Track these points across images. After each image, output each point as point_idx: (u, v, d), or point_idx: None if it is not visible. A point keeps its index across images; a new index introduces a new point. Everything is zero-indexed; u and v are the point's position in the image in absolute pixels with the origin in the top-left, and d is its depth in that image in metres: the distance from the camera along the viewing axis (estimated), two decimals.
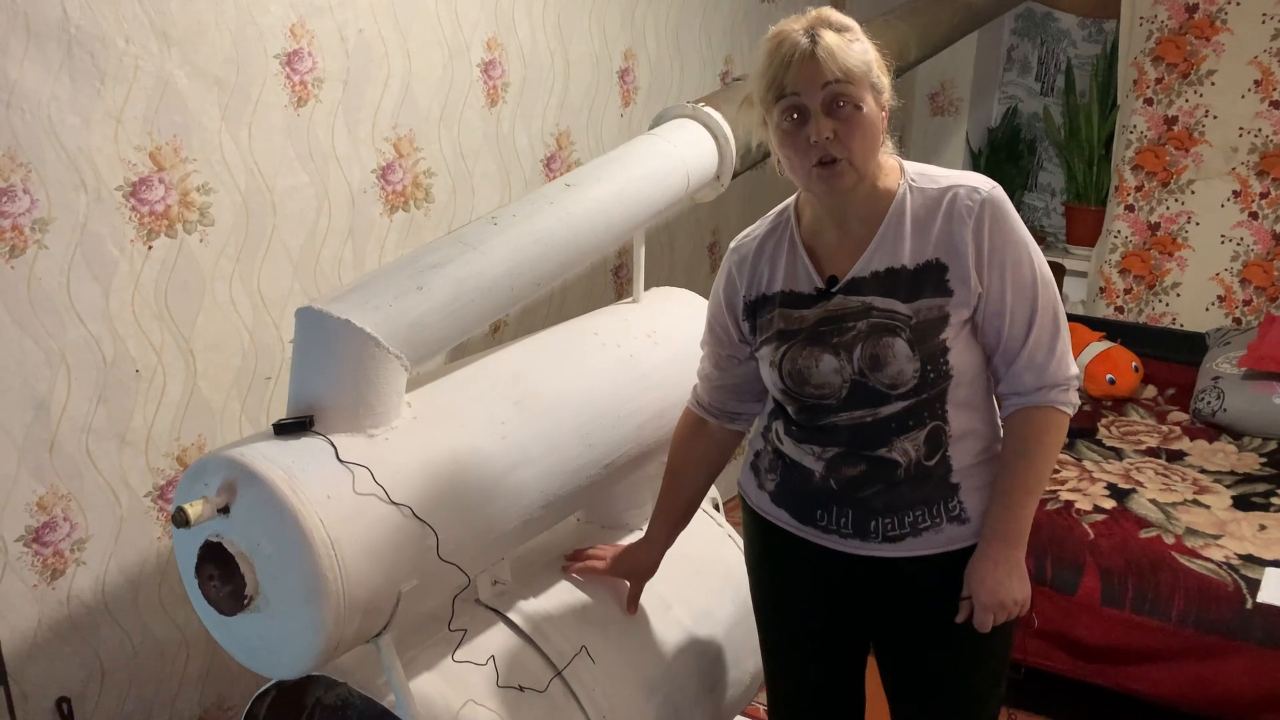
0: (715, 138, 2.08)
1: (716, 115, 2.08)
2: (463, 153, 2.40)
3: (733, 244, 1.62)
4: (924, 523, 1.50)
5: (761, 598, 1.76)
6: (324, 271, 2.17)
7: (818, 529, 1.57)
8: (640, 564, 1.84)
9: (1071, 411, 1.49)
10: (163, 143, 1.85)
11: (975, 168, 4.41)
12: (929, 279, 1.43)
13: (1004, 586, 1.47)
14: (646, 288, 2.18)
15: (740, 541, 2.15)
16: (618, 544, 1.92)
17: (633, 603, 1.85)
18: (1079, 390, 1.52)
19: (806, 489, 1.56)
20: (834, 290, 1.48)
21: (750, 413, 1.70)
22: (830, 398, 1.48)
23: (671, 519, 1.81)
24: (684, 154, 2.00)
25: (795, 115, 1.39)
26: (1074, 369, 1.49)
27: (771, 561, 1.70)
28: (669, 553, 2.04)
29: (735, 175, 2.14)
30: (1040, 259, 1.46)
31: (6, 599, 1.78)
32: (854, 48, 1.39)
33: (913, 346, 1.42)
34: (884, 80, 1.43)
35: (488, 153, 2.47)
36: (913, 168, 1.50)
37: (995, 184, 1.45)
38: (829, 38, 1.37)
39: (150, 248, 1.87)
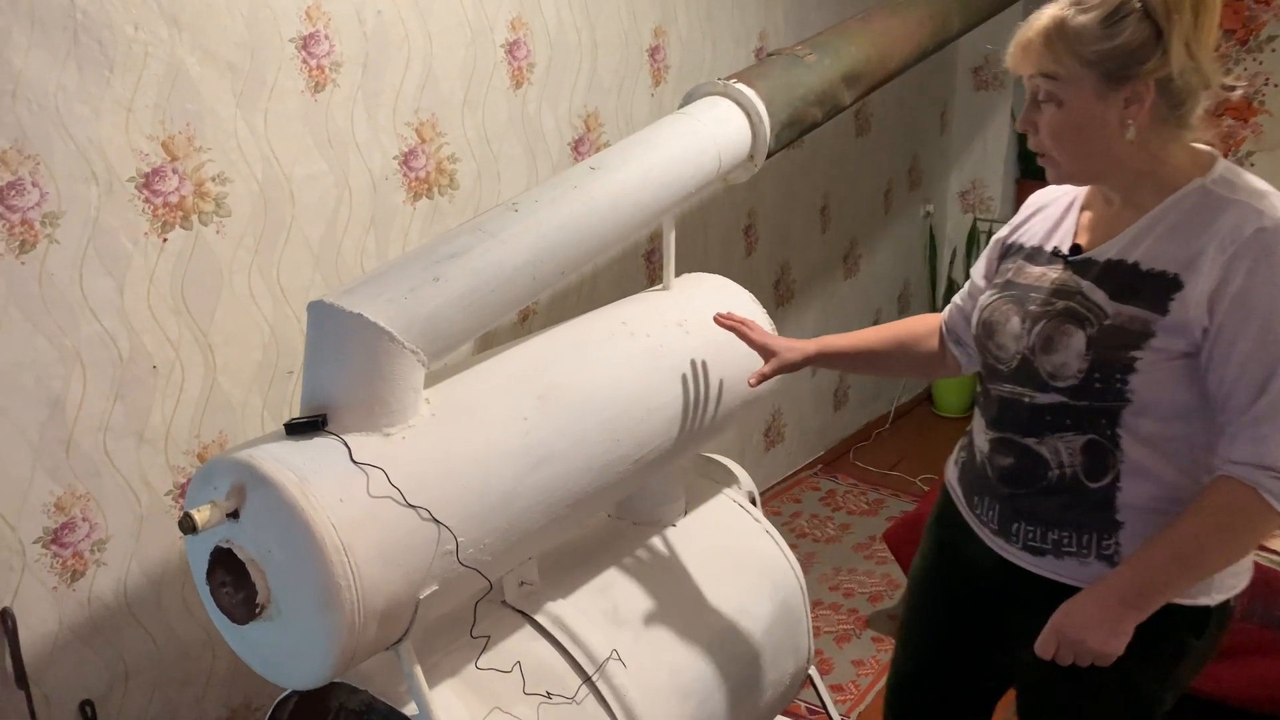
0: (748, 115, 1.98)
1: (749, 92, 1.98)
2: (487, 137, 2.33)
3: (1043, 189, 1.52)
4: (1069, 546, 1.37)
5: (920, 560, 1.68)
6: (346, 262, 2.11)
7: (975, 517, 1.50)
8: (784, 347, 1.72)
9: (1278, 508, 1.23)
10: (175, 132, 1.79)
11: (1019, 145, 4.26)
12: (1152, 288, 1.27)
13: (1090, 629, 1.29)
14: (678, 273, 2.10)
15: (778, 538, 2.07)
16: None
17: (756, 379, 1.71)
18: None
19: (973, 471, 1.50)
20: (1071, 260, 1.37)
21: (971, 353, 1.61)
22: (1003, 363, 1.41)
23: (845, 343, 1.72)
24: (715, 133, 1.90)
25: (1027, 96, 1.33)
26: None
27: (940, 528, 1.62)
28: (701, 549, 1.97)
29: (770, 154, 2.05)
30: None
31: (26, 601, 1.74)
32: (1081, 33, 1.24)
33: (1090, 345, 1.29)
34: (1150, 65, 1.23)
35: (513, 136, 2.39)
36: (1225, 169, 1.30)
37: None
38: (1049, 22, 1.27)
39: (165, 240, 1.81)
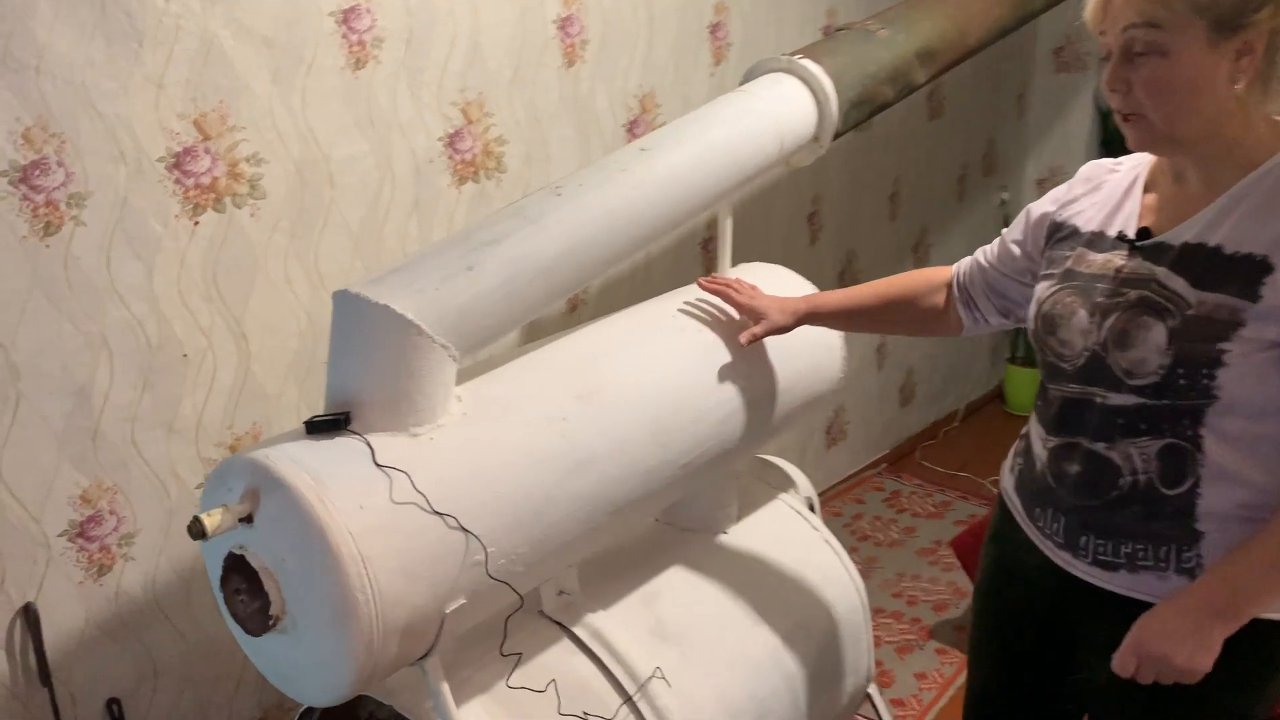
0: (814, 94, 1.84)
1: (816, 68, 1.84)
2: (538, 117, 2.22)
3: (1094, 162, 1.41)
4: (1145, 560, 1.25)
5: (981, 577, 1.57)
6: (388, 247, 2.02)
7: (1037, 529, 1.38)
8: (773, 308, 1.67)
9: None
10: (208, 110, 1.71)
11: (1103, 130, 4.03)
12: (1239, 273, 1.15)
13: (1175, 643, 1.17)
14: (736, 263, 1.97)
15: (837, 548, 1.94)
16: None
17: (747, 339, 1.66)
18: None
19: (1032, 480, 1.39)
20: (1138, 245, 1.25)
21: (981, 318, 1.55)
22: (1068, 360, 1.29)
23: (838, 302, 1.67)
24: (777, 112, 1.77)
25: (1104, 57, 1.21)
26: None
27: (999, 542, 1.51)
28: (755, 559, 1.85)
29: (837, 136, 1.90)
30: None
31: (50, 597, 1.69)
32: None
33: (1172, 339, 1.17)
34: (1264, 14, 1.13)
35: (565, 117, 2.27)
36: None
37: None
38: None
39: (196, 223, 1.74)
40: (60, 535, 1.68)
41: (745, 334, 1.66)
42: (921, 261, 3.72)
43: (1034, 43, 3.99)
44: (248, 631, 1.26)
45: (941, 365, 3.99)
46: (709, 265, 2.74)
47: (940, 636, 2.82)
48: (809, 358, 1.81)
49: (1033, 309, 1.36)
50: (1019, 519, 1.42)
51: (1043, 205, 1.43)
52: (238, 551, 1.24)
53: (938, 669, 2.69)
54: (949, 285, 1.58)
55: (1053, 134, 4.17)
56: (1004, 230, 1.52)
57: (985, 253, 1.54)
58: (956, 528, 3.35)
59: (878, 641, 2.77)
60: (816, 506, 2.05)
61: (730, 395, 1.66)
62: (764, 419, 1.73)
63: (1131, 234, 1.26)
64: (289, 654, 1.27)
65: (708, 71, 2.59)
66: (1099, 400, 1.25)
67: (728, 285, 1.72)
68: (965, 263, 1.57)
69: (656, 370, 1.58)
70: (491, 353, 1.99)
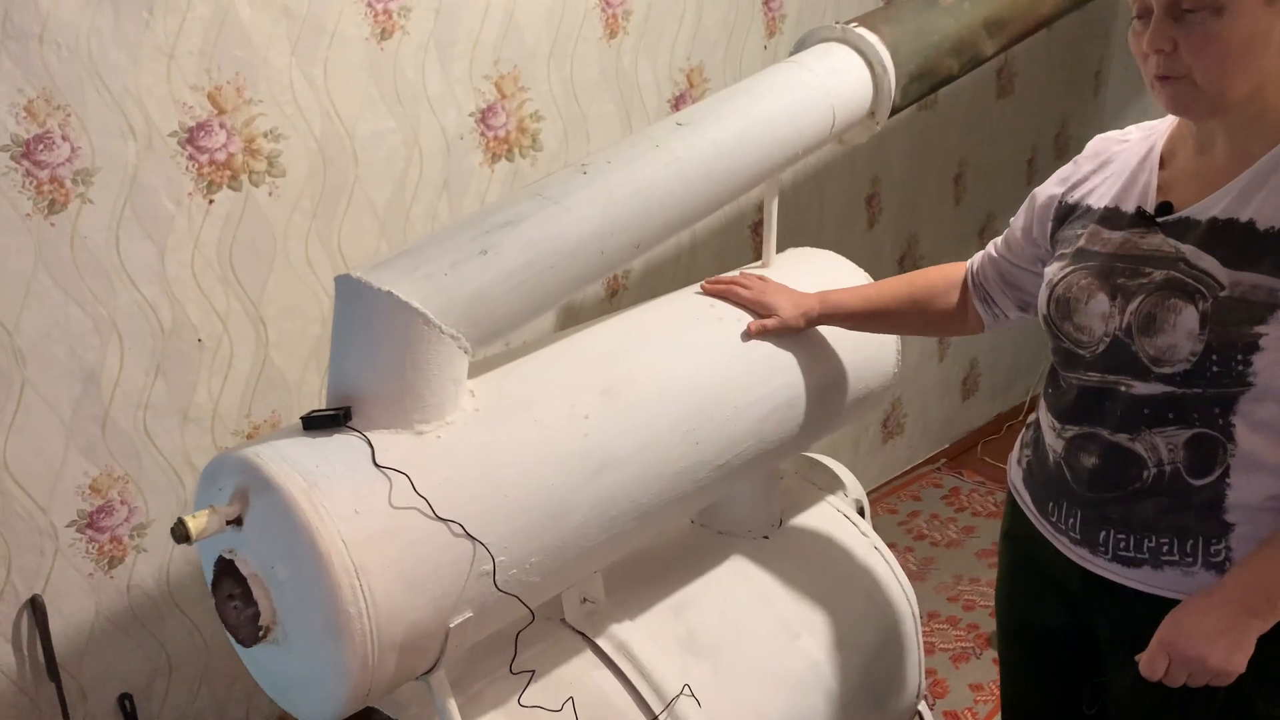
0: (870, 65, 1.70)
1: (872, 38, 1.70)
2: (576, 93, 2.10)
3: (1100, 135, 1.33)
4: (1169, 554, 1.17)
5: (999, 582, 1.51)
6: (415, 229, 1.92)
7: (1050, 525, 1.30)
8: (785, 306, 1.55)
9: None
10: (223, 82, 1.62)
11: None
12: (1275, 250, 1.07)
13: (1208, 642, 1.10)
14: (787, 247, 1.84)
15: (888, 555, 1.80)
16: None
17: (756, 329, 1.54)
18: None
19: (1044, 473, 1.30)
20: (1159, 220, 1.16)
21: (1000, 313, 1.46)
22: (1085, 346, 1.20)
23: (852, 301, 1.56)
24: (829, 85, 1.63)
25: (1139, 15, 1.12)
26: None
27: (1012, 543, 1.44)
28: (797, 566, 1.73)
29: (895, 111, 1.76)
30: None
31: (59, 589, 1.63)
32: None
33: (1204, 323, 1.08)
34: None
35: (605, 92, 2.15)
36: None
37: None
38: None
39: (211, 202, 1.65)
40: (69, 526, 1.62)
41: (755, 324, 1.55)
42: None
43: (1113, 14, 3.76)
44: (239, 641, 1.17)
45: (1006, 356, 3.80)
46: (758, 250, 2.61)
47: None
48: (860, 351, 1.67)
49: (1043, 292, 1.27)
50: (1029, 514, 1.35)
51: (1048, 188, 1.34)
52: (228, 556, 1.15)
53: (994, 680, 2.54)
54: (964, 282, 1.49)
55: (1129, 113, 3.94)
56: (1012, 217, 1.41)
57: (996, 244, 1.45)
58: None
59: (931, 648, 2.63)
60: (866, 510, 1.91)
61: (771, 391, 1.53)
62: (808, 418, 1.60)
63: (1151, 209, 1.16)
64: (282, 666, 1.18)
65: (760, 44, 2.45)
66: (1123, 389, 1.16)
67: (731, 283, 1.61)
68: (978, 257, 1.48)
69: (690, 363, 1.46)
70: (525, 339, 1.89)
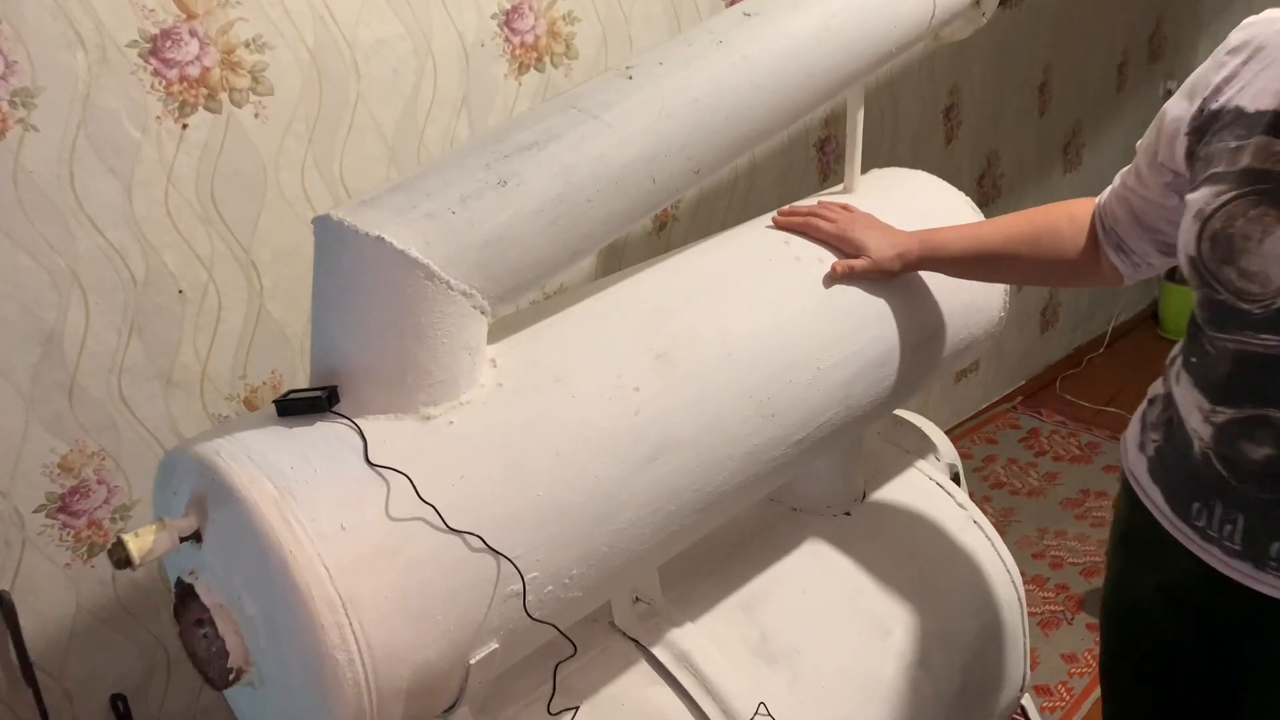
0: None
1: None
2: None
3: (1247, 21, 1.00)
4: None
5: (1108, 594, 1.23)
6: (431, 154, 1.64)
7: (1194, 530, 1.04)
8: (878, 247, 1.28)
9: None
10: None
11: None
12: None
13: None
14: (865, 169, 1.54)
15: (989, 530, 1.54)
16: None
17: (843, 270, 1.27)
18: None
19: (1185, 465, 1.03)
20: None
21: (1141, 262, 1.15)
22: (1256, 299, 0.91)
23: (959, 242, 1.26)
24: None
25: None
26: None
27: (1130, 550, 1.17)
28: (885, 547, 1.48)
29: (1005, 1, 1.44)
30: None
31: (29, 582, 1.41)
32: None
33: None
34: None
35: None
36: None
37: None
38: None
39: (185, 126, 1.39)
40: (36, 511, 1.40)
41: (840, 264, 1.27)
42: (1072, 164, 3.19)
43: None
44: (207, 681, 0.94)
45: None
46: (826, 171, 2.30)
47: (1092, 609, 2.39)
48: (963, 293, 1.38)
49: (1189, 226, 0.97)
50: (1160, 516, 1.08)
51: (1180, 100, 1.02)
52: (188, 579, 0.91)
53: (1089, 649, 2.28)
54: (1091, 224, 1.18)
55: (1234, 9, 3.53)
56: (1139, 141, 1.09)
57: (1125, 175, 1.14)
58: (1107, 475, 2.90)
59: None
60: (961, 477, 1.64)
61: (861, 348, 1.25)
62: (901, 376, 1.32)
63: None
64: (263, 714, 0.94)
65: None
66: None
67: (810, 214, 1.32)
68: (1106, 193, 1.17)
69: (762, 316, 1.18)
70: (558, 290, 1.62)
